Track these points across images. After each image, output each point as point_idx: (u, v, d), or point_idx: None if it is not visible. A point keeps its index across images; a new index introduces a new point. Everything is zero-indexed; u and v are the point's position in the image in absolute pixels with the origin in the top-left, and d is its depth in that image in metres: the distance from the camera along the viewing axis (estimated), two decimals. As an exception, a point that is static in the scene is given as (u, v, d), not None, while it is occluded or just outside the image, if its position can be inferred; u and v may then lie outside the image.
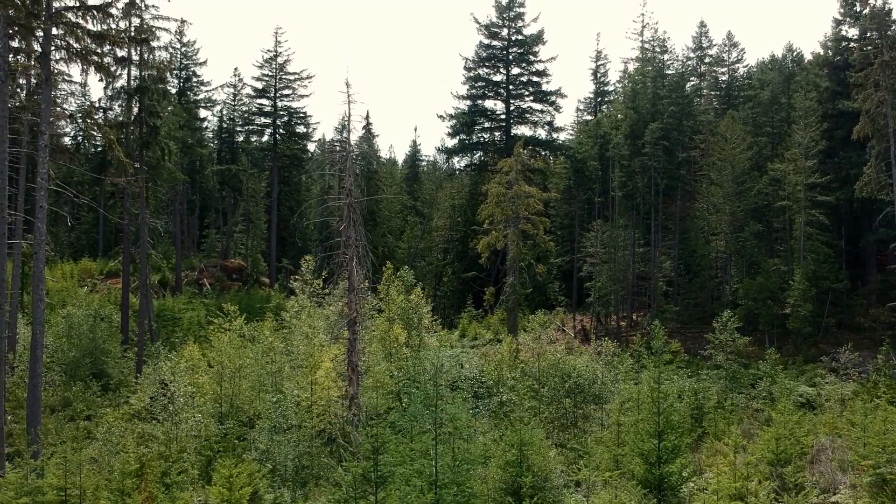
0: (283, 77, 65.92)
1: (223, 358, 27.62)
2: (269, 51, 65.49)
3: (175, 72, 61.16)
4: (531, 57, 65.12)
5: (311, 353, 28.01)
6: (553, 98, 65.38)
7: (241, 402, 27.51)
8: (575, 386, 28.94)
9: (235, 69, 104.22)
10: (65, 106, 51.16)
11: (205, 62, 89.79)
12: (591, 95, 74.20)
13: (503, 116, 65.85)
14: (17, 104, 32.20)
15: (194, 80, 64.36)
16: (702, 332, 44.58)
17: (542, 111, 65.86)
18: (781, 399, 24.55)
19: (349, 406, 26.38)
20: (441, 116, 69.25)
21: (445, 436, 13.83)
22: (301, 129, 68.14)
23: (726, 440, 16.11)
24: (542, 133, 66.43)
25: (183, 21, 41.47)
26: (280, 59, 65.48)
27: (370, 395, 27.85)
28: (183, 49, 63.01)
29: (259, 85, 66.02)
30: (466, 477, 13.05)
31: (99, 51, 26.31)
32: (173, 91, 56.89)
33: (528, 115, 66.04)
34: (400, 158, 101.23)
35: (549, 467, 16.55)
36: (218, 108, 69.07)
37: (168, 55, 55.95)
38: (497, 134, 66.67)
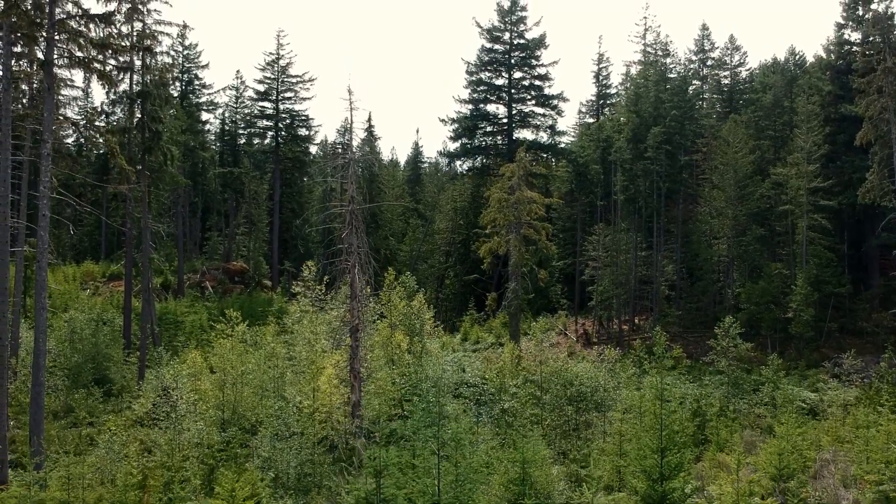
0: (285, 80, 66.01)
1: (225, 364, 27.66)
2: (271, 53, 65.70)
3: (177, 75, 61.18)
4: (533, 61, 65.02)
5: (314, 359, 27.97)
6: (555, 102, 65.34)
7: (244, 409, 27.54)
8: (577, 393, 28.88)
9: (237, 72, 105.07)
10: (67, 111, 51.24)
11: (207, 65, 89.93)
12: (594, 98, 74.07)
13: (505, 120, 65.77)
14: (20, 109, 32.24)
15: (196, 83, 64.40)
16: (704, 336, 44.51)
17: (544, 115, 65.79)
18: (784, 410, 24.47)
19: (352, 413, 26.35)
20: (443, 120, 69.17)
21: (449, 449, 13.76)
22: (303, 131, 68.25)
23: (729, 454, 16.08)
24: (544, 137, 66.38)
25: (185, 25, 41.29)
26: (282, 62, 65.60)
27: (373, 403, 27.83)
28: (185, 53, 63.09)
29: (261, 88, 66.16)
30: (469, 496, 13.01)
31: (101, 58, 26.30)
32: (175, 94, 56.96)
33: (530, 119, 65.97)
34: (402, 160, 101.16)
35: (552, 485, 16.51)
36: (220, 110, 69.18)
37: (170, 59, 56.14)
38: (499, 138, 66.60)
